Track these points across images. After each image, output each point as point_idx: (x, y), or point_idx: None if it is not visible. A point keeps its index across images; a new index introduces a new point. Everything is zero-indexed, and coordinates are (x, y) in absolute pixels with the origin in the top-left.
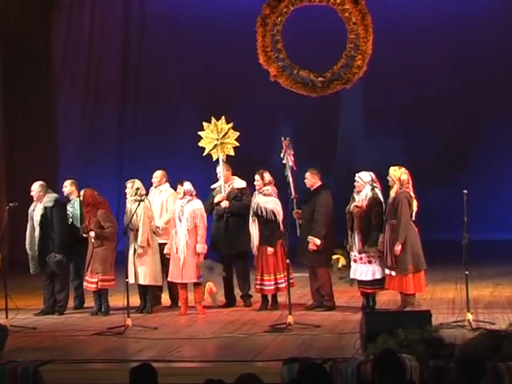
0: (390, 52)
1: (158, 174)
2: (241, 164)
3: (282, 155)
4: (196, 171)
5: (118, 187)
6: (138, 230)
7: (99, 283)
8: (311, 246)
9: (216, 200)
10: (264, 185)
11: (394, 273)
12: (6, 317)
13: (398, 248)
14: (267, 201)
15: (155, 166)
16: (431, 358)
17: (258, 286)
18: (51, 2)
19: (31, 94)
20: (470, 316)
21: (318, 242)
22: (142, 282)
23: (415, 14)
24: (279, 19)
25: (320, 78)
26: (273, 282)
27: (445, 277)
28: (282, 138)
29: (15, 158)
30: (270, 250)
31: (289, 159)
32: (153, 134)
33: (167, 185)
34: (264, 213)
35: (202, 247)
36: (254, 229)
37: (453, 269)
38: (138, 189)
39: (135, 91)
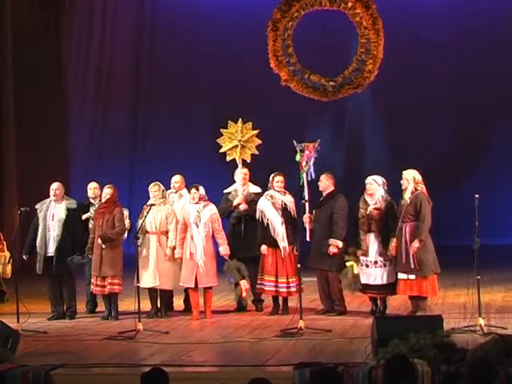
0: (401, 55)
1: (178, 179)
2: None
3: (298, 156)
4: (207, 174)
5: (128, 188)
6: (167, 232)
7: (108, 287)
8: (332, 250)
9: (235, 203)
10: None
11: (412, 276)
12: (18, 321)
13: (416, 245)
14: (292, 201)
15: (166, 167)
16: (443, 362)
17: (283, 290)
18: (62, 10)
19: (43, 96)
20: (481, 321)
21: (340, 244)
22: (164, 286)
23: (426, 18)
24: (290, 24)
25: (331, 83)
26: (295, 284)
27: (456, 282)
28: (297, 144)
29: (26, 161)
30: (296, 249)
31: (311, 162)
32: (164, 135)
33: (185, 190)
34: (293, 212)
35: (225, 249)
36: (282, 229)
37: (464, 273)
38: (163, 191)
39: (147, 92)
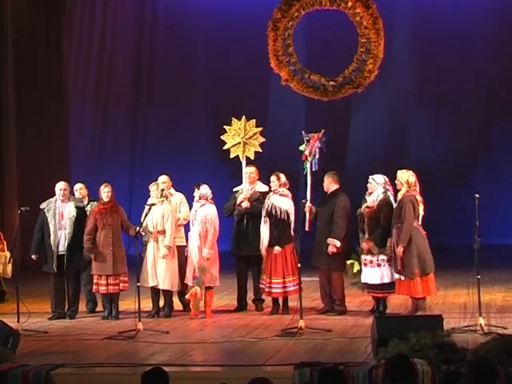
0: (403, 52)
1: (165, 179)
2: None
3: (303, 146)
4: (208, 173)
5: (129, 188)
6: (164, 232)
7: (121, 284)
8: (331, 249)
9: (238, 201)
10: (280, 185)
11: (402, 277)
12: (18, 321)
13: (399, 250)
14: (282, 201)
15: (167, 167)
16: (443, 362)
17: (266, 289)
18: (62, 9)
19: (43, 96)
20: (481, 320)
21: (338, 243)
22: (161, 286)
23: (426, 18)
24: (290, 23)
25: (331, 82)
26: (281, 285)
27: (457, 281)
28: (305, 134)
29: (27, 161)
30: (276, 249)
31: (316, 152)
32: (165, 135)
33: (173, 189)
34: (278, 212)
35: (207, 252)
36: (264, 229)
37: (465, 273)
38: (162, 190)
39: (147, 91)
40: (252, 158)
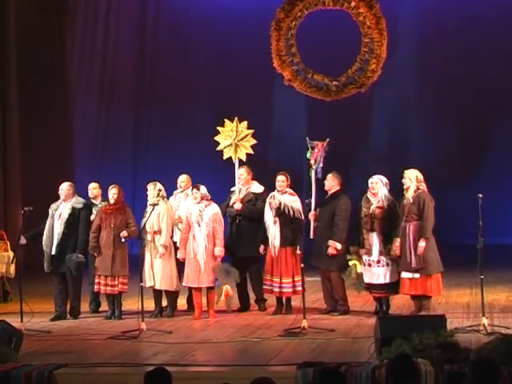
0: (405, 53)
1: (184, 179)
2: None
3: (309, 154)
4: (210, 173)
5: (132, 189)
6: (160, 231)
7: (120, 286)
8: (331, 251)
9: (231, 202)
10: (287, 186)
11: (417, 275)
12: (21, 320)
13: (422, 244)
14: (293, 200)
15: (170, 167)
16: (446, 362)
17: (275, 289)
18: (65, 9)
19: (46, 96)
20: (485, 320)
21: (339, 246)
22: (158, 286)
23: (427, 18)
24: (293, 23)
25: (334, 82)
26: (291, 285)
27: (460, 281)
28: (310, 141)
29: (30, 161)
30: (298, 251)
31: (320, 160)
32: (168, 135)
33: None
34: (291, 212)
35: (220, 250)
36: (275, 229)
37: (468, 273)
38: (160, 190)
39: (150, 91)
40: (244, 159)
